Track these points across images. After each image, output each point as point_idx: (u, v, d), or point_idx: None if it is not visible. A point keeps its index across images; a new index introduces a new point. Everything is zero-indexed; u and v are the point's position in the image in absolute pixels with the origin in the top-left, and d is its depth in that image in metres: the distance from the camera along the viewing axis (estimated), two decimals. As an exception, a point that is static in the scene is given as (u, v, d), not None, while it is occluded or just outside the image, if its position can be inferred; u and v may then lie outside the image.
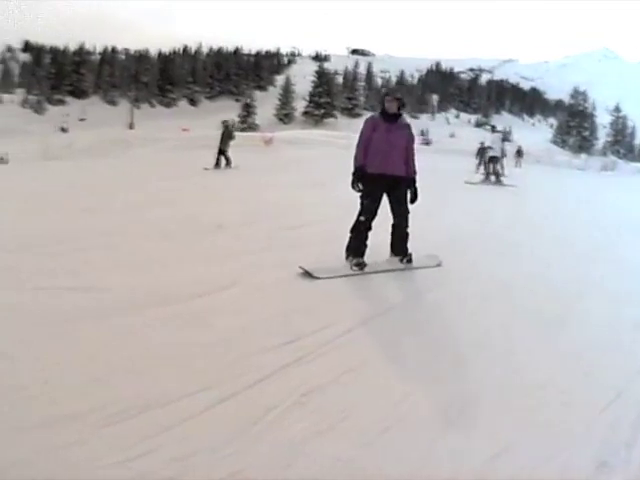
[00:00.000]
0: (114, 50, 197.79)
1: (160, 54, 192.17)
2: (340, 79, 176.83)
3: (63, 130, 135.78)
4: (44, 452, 3.81)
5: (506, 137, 50.30)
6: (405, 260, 9.11)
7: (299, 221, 13.36)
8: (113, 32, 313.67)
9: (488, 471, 3.95)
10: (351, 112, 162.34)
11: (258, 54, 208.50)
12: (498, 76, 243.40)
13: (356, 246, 8.86)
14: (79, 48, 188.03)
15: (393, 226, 9.14)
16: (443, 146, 76.76)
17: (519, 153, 54.13)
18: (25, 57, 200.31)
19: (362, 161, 8.88)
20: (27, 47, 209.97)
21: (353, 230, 8.94)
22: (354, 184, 8.85)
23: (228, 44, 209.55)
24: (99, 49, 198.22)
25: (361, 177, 8.84)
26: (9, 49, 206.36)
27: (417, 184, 9.05)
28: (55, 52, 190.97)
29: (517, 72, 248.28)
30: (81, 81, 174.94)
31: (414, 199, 8.99)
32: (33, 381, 4.85)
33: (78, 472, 3.66)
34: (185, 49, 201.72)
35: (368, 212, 8.81)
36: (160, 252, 9.89)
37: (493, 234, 13.46)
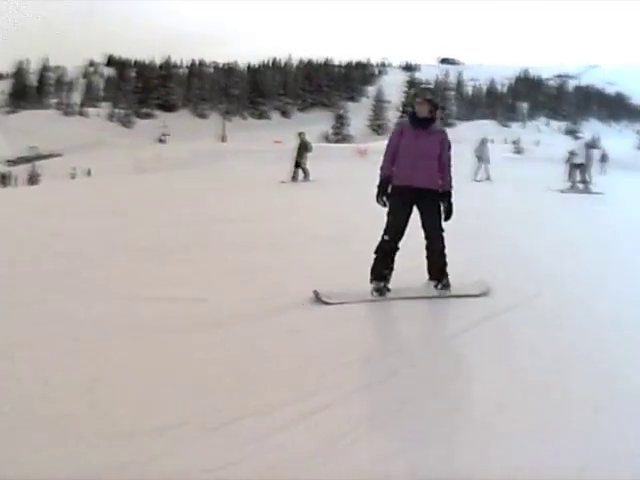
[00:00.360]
0: (202, 63, 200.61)
1: (249, 67, 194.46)
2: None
3: (161, 141, 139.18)
4: (141, 460, 3.84)
5: (594, 144, 49.04)
6: (440, 286, 7.95)
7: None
8: (200, 46, 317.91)
9: None
10: (443, 122, 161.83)
11: (348, 65, 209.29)
12: (584, 82, 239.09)
13: (378, 269, 7.94)
14: (165, 62, 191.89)
15: (426, 247, 8.04)
16: (533, 154, 75.77)
17: (603, 158, 52.80)
18: (109, 71, 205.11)
19: (388, 172, 8.07)
20: (110, 61, 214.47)
21: (377, 251, 8.02)
22: (378, 197, 8.02)
23: (318, 55, 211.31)
24: (186, 63, 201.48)
25: (386, 190, 8.02)
26: (92, 63, 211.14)
27: (452, 198, 7.97)
28: (140, 66, 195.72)
29: (603, 78, 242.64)
30: (169, 94, 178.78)
31: (448, 216, 7.94)
32: (131, 392, 4.98)
33: None
34: (274, 61, 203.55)
35: (392, 230, 7.94)
36: (261, 263, 10.02)
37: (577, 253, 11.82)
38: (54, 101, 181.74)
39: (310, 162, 30.38)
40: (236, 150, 33.78)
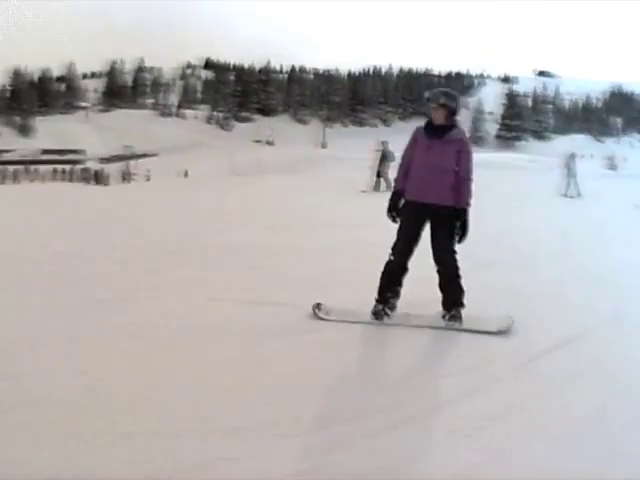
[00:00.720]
0: (301, 69, 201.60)
1: (350, 74, 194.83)
2: (528, 101, 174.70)
3: (269, 143, 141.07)
4: (222, 459, 4.04)
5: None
6: (448, 317, 7.21)
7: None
8: (300, 51, 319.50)
9: None
10: (540, 135, 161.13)
11: (448, 75, 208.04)
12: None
13: (381, 291, 7.41)
14: (264, 67, 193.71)
15: (437, 272, 7.37)
16: (625, 170, 74.13)
17: None
18: (206, 74, 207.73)
19: (400, 185, 7.54)
20: (208, 64, 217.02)
21: (383, 271, 7.49)
22: (389, 212, 7.50)
23: (417, 65, 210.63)
24: (285, 68, 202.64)
25: (397, 204, 7.49)
26: (189, 66, 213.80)
27: (468, 216, 7.26)
28: (239, 70, 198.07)
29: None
30: (269, 99, 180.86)
31: (462, 236, 7.25)
32: (208, 392, 5.19)
33: None
34: (375, 69, 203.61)
35: (398, 249, 7.39)
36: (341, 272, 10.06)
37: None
38: (150, 102, 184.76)
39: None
40: (335, 157, 33.77)
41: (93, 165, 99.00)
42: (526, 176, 41.75)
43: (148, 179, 75.39)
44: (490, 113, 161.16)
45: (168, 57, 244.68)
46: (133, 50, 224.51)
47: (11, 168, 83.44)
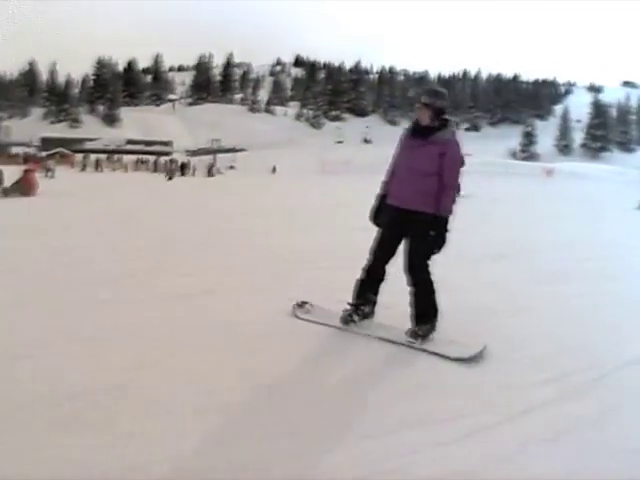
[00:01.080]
0: (392, 70, 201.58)
1: (440, 77, 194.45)
2: (613, 112, 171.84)
3: (366, 141, 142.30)
4: (289, 456, 4.01)
5: None
6: (410, 334, 6.50)
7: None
8: (390, 53, 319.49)
9: None
10: (625, 147, 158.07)
11: (536, 82, 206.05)
12: None
13: (354, 296, 6.99)
14: (355, 66, 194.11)
15: (407, 283, 6.74)
16: None
17: None
18: (296, 71, 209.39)
19: (385, 187, 6.97)
20: (298, 61, 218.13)
21: (360, 276, 7.03)
22: (370, 217, 7.02)
23: (506, 70, 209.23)
24: (376, 68, 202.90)
25: (381, 208, 6.97)
26: (279, 62, 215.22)
27: (447, 227, 6.49)
28: (329, 68, 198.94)
29: None
30: (360, 99, 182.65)
31: (434, 246, 6.48)
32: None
33: (315, 474, 3.87)
34: (465, 73, 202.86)
35: (373, 255, 6.92)
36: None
37: None
38: (238, 97, 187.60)
39: (494, 178, 30.02)
40: None
41: (179, 157, 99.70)
42: (612, 187, 40.56)
43: (234, 173, 76.13)
44: (578, 121, 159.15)
45: (257, 53, 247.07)
46: (221, 45, 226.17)
47: (93, 157, 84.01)
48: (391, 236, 6.74)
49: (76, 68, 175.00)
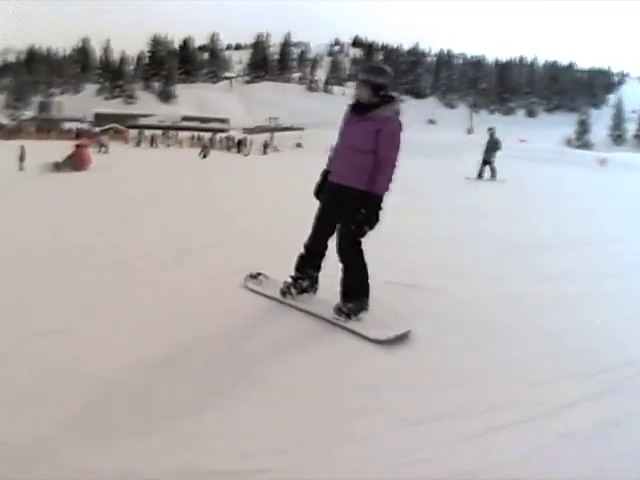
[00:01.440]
0: (449, 54, 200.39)
1: (497, 61, 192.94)
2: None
3: (431, 122, 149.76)
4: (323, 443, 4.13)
5: None
6: (335, 310, 6.60)
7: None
8: (447, 36, 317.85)
9: None
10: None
11: (590, 71, 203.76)
12: None
13: (294, 269, 7.12)
14: (413, 48, 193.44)
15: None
16: None
17: None
18: (354, 52, 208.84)
19: (329, 164, 7.02)
20: (356, 42, 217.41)
21: (301, 251, 7.15)
22: (314, 191, 7.09)
23: (561, 58, 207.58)
24: (434, 51, 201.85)
25: (321, 185, 7.03)
26: (337, 42, 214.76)
27: (381, 205, 6.44)
28: (387, 50, 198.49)
29: None
30: (418, 81, 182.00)
31: (362, 224, 6.41)
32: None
33: (342, 466, 3.91)
34: (521, 59, 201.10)
35: (313, 230, 7.00)
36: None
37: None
38: (296, 76, 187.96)
39: (546, 165, 29.53)
40: (479, 144, 32.53)
41: (236, 134, 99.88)
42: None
43: (291, 151, 76.25)
44: (634, 112, 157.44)
45: (314, 33, 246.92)
46: (278, 24, 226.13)
47: (148, 133, 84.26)
48: (330, 212, 6.81)
49: (130, 46, 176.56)
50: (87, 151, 28.55)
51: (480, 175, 28.55)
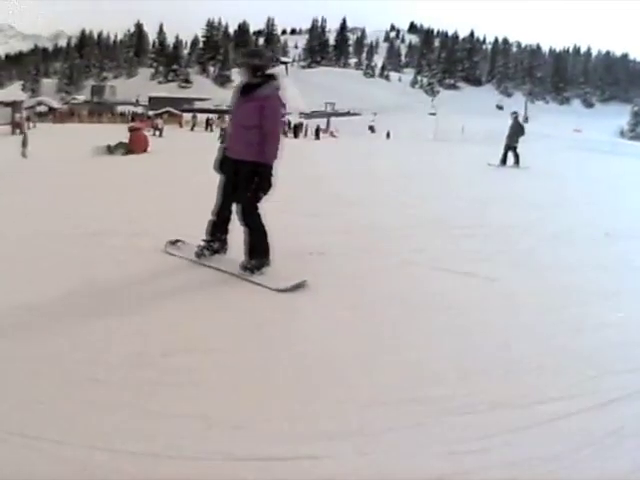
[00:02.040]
0: (505, 41, 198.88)
1: (551, 50, 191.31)
2: None
3: (499, 107, 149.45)
4: (378, 431, 4.02)
5: None
6: (241, 266, 7.47)
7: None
8: (503, 24, 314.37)
9: None
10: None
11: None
12: None
13: (206, 233, 7.95)
14: (469, 35, 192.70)
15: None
16: None
17: None
18: (410, 38, 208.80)
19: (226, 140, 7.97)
20: (412, 28, 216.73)
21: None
22: (215, 165, 7.91)
23: (615, 48, 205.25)
24: (489, 38, 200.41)
25: (221, 160, 7.82)
26: (393, 28, 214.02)
27: (272, 172, 7.33)
28: (444, 36, 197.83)
29: None
30: (474, 68, 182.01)
31: (257, 191, 7.34)
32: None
33: (399, 454, 3.79)
34: (575, 48, 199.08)
35: (219, 199, 7.81)
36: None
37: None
38: (353, 61, 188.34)
39: (597, 157, 28.69)
40: (532, 132, 31.41)
41: (292, 119, 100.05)
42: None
43: (343, 136, 76.46)
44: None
45: (370, 19, 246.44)
46: (334, 9, 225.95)
47: (203, 116, 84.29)
48: (230, 183, 7.60)
49: (183, 30, 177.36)
50: (144, 134, 28.92)
51: (504, 161, 27.54)
